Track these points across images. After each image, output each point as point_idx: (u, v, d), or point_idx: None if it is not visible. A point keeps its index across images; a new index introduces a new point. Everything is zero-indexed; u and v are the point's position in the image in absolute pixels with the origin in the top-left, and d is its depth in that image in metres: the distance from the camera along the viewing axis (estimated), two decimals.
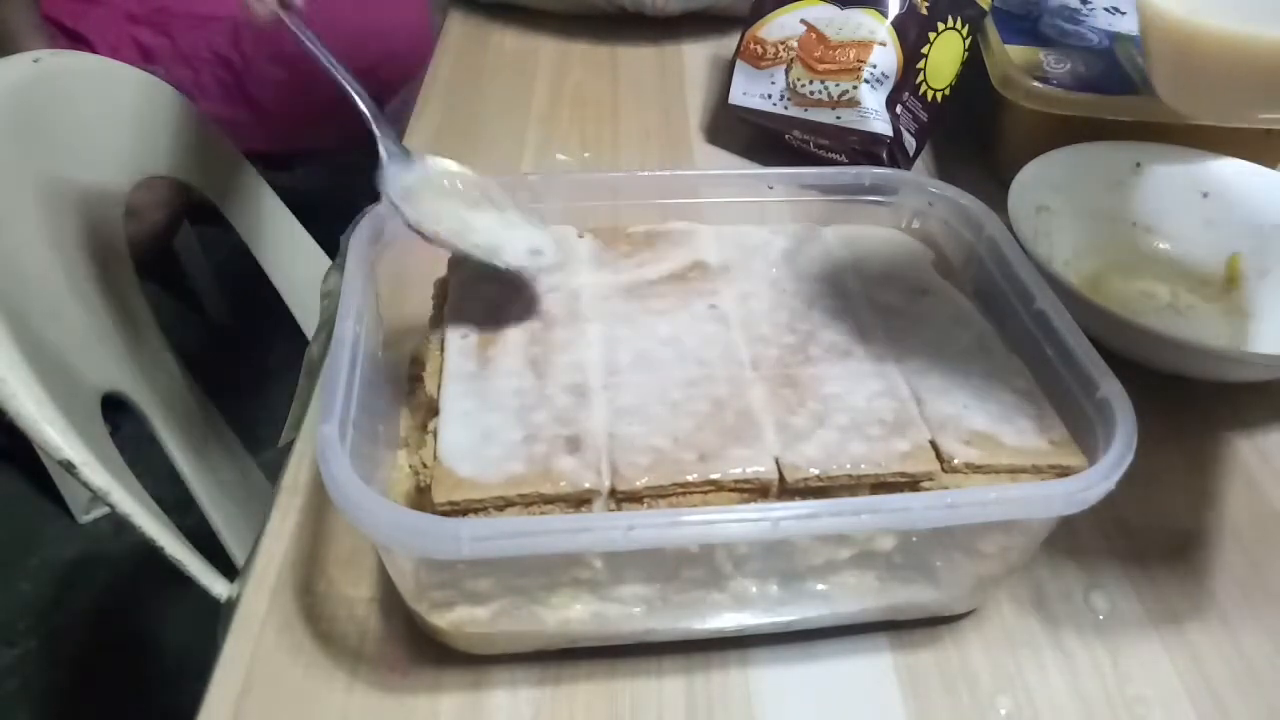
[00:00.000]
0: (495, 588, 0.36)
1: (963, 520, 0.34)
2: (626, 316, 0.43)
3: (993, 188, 0.56)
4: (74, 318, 0.63)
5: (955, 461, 0.37)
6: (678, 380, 0.40)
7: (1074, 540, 0.45)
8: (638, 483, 0.35)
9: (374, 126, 0.46)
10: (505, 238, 0.43)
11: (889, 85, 0.63)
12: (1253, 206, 0.60)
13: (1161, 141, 0.61)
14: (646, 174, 0.50)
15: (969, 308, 0.45)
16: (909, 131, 0.65)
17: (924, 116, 0.66)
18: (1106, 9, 0.70)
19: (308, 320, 0.86)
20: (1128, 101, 0.60)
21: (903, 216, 0.51)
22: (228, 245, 0.86)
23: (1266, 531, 0.46)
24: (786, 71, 0.66)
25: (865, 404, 0.39)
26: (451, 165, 0.46)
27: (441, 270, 0.46)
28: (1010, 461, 0.37)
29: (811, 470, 0.36)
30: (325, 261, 0.89)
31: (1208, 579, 0.44)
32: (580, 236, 0.48)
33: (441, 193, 0.45)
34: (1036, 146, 0.60)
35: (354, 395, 0.36)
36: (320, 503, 0.44)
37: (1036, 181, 0.58)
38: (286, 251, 0.88)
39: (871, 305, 0.44)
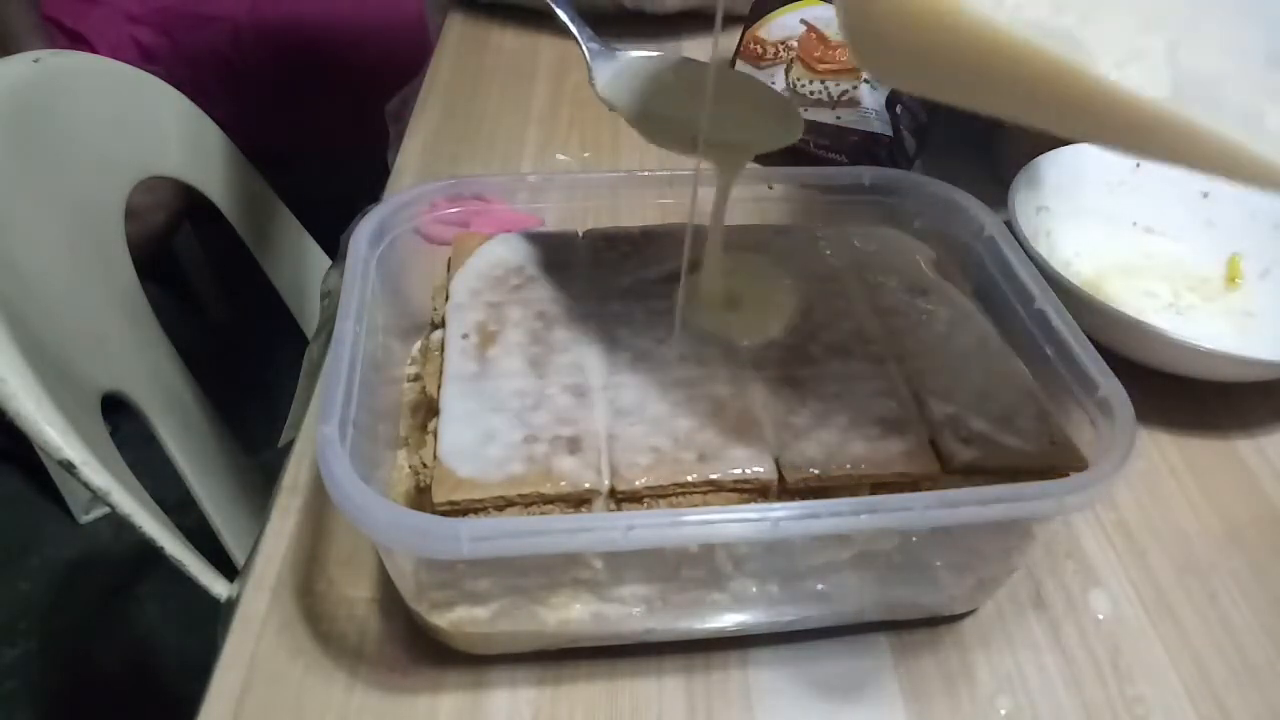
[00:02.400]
0: (495, 588, 0.36)
1: (963, 520, 0.34)
2: (627, 316, 0.43)
3: (993, 188, 0.56)
4: (74, 318, 0.62)
5: (955, 461, 0.37)
6: (678, 380, 0.40)
7: (1074, 540, 0.45)
8: (637, 483, 0.35)
9: (572, 26, 0.45)
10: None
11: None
12: (1253, 206, 0.60)
13: None
14: (646, 174, 0.50)
15: (969, 308, 0.45)
16: (909, 131, 0.65)
17: (924, 117, 0.66)
18: None
19: (308, 320, 0.87)
20: None
21: (903, 216, 0.51)
22: (228, 245, 0.86)
23: (1266, 531, 0.46)
24: (786, 71, 0.66)
25: (865, 404, 0.39)
26: (653, 55, 0.45)
27: (442, 270, 0.46)
28: (1010, 461, 0.37)
29: (811, 470, 0.36)
30: (325, 261, 0.89)
31: (1208, 579, 0.44)
32: (580, 236, 0.48)
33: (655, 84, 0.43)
34: (1036, 146, 0.60)
35: (354, 395, 0.36)
36: (320, 503, 0.44)
37: (1036, 181, 0.58)
38: (286, 251, 0.88)
39: (871, 305, 0.44)
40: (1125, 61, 0.24)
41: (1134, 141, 0.26)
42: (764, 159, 0.71)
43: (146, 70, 0.76)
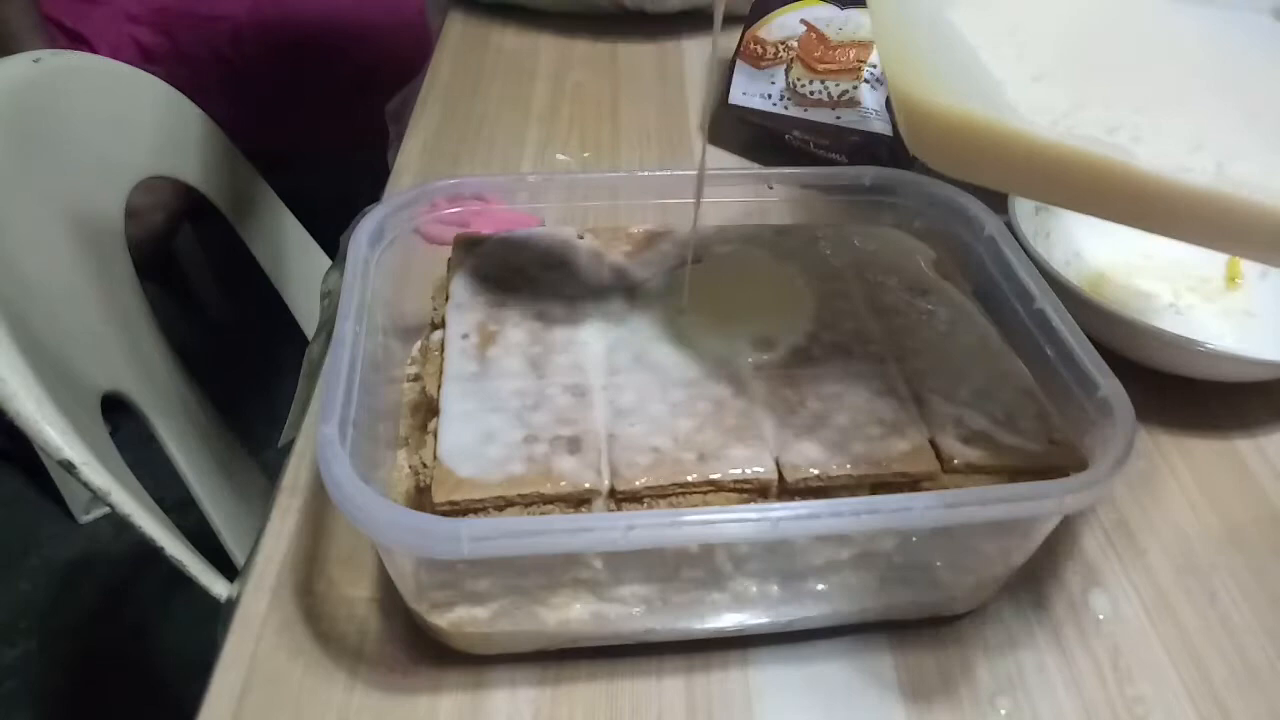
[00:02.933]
0: (495, 588, 0.36)
1: (963, 520, 0.34)
2: (627, 316, 0.43)
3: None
4: (74, 318, 0.63)
5: (955, 461, 0.37)
6: (678, 380, 0.40)
7: (1074, 540, 0.45)
8: (637, 483, 0.35)
9: None
10: None
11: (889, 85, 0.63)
12: None
13: None
14: (646, 174, 0.50)
15: (969, 308, 0.45)
16: None
17: None
18: None
19: (308, 320, 0.87)
20: None
21: (903, 216, 0.51)
22: (228, 245, 0.87)
23: (1266, 531, 0.46)
24: (786, 71, 0.66)
25: (865, 404, 0.39)
26: None
27: (442, 270, 0.46)
28: (1010, 461, 0.37)
29: (811, 470, 0.36)
30: (325, 261, 0.89)
31: (1208, 579, 0.44)
32: (580, 237, 0.48)
33: None
34: None
35: (354, 395, 0.36)
36: (320, 503, 0.44)
37: None
38: (286, 251, 0.88)
39: (871, 305, 0.44)
40: (1176, 174, 0.27)
41: (1185, 228, 0.29)
42: (764, 158, 0.71)
43: (146, 70, 0.76)
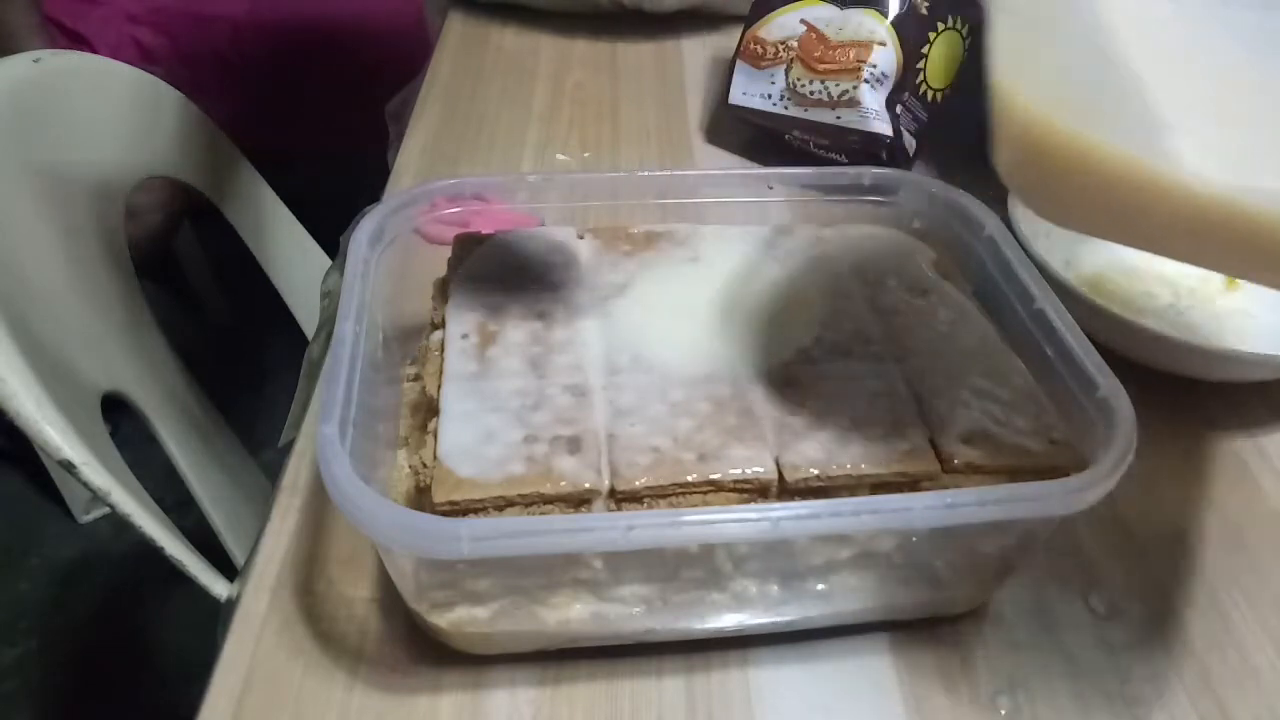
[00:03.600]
0: (495, 588, 0.36)
1: (963, 520, 0.34)
2: (627, 316, 0.43)
3: (993, 188, 0.56)
4: (74, 318, 0.63)
5: (955, 461, 0.37)
6: (677, 380, 0.40)
7: (1074, 540, 0.45)
8: (637, 483, 0.35)
9: None
10: None
11: (889, 85, 0.63)
12: None
13: None
14: (646, 174, 0.50)
15: (969, 308, 0.45)
16: (909, 131, 0.65)
17: (924, 116, 0.66)
18: None
19: (308, 320, 0.87)
20: None
21: (903, 216, 0.50)
22: (228, 245, 0.87)
23: (1266, 531, 0.46)
24: (786, 71, 0.66)
25: (865, 404, 0.39)
26: None
27: (442, 270, 0.46)
28: (1010, 461, 0.37)
29: (811, 470, 0.36)
30: (325, 261, 0.89)
31: (1208, 579, 0.44)
32: (580, 237, 0.48)
33: None
34: None
35: (354, 395, 0.36)
36: (320, 503, 0.44)
37: None
38: (286, 251, 0.88)
39: (871, 305, 0.44)
40: None
41: None
42: (764, 158, 0.71)
43: (146, 70, 0.76)
